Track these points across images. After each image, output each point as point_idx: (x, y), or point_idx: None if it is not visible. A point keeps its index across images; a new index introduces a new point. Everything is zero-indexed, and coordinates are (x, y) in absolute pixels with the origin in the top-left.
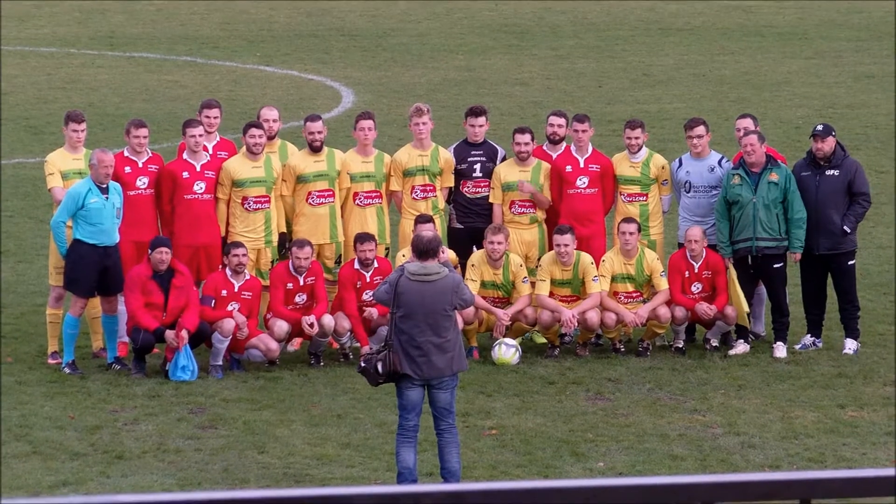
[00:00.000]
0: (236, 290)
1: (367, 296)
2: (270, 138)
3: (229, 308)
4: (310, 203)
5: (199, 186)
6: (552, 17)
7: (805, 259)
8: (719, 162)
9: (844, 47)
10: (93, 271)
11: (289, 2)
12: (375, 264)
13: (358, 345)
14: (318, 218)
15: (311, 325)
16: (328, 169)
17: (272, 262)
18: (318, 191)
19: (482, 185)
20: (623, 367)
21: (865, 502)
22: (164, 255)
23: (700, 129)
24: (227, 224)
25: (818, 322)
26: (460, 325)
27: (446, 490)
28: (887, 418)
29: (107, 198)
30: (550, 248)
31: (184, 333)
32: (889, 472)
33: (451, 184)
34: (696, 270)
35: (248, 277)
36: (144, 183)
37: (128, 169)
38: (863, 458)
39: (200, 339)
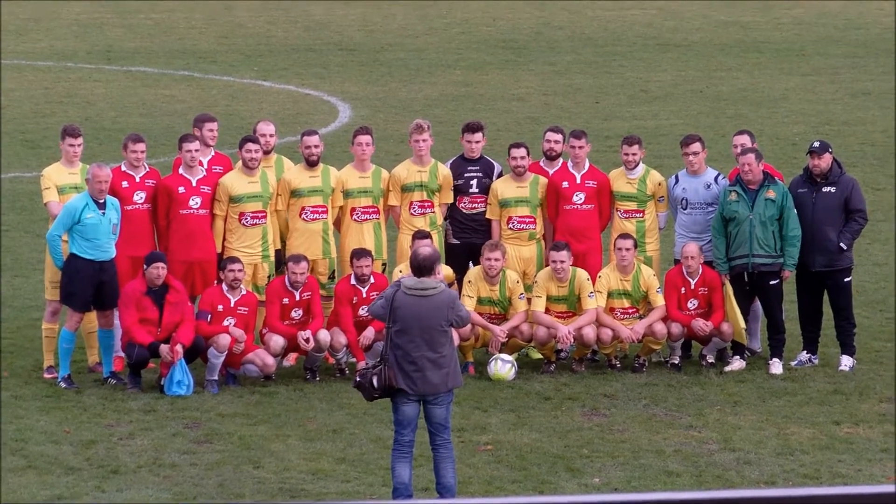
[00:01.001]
0: (232, 305)
1: (363, 311)
2: (267, 153)
3: (225, 323)
4: (303, 218)
5: (195, 201)
6: (549, 32)
7: (801, 276)
8: (715, 178)
9: (842, 64)
10: (88, 286)
11: (287, 16)
12: (372, 280)
13: (354, 360)
14: (310, 234)
15: (307, 341)
16: (323, 185)
17: (268, 277)
18: (312, 206)
19: (479, 200)
20: (619, 383)
21: None
22: (159, 270)
23: (696, 146)
24: (224, 239)
25: (814, 339)
26: (456, 341)
27: None
28: (883, 435)
29: (103, 213)
30: (548, 265)
31: (178, 348)
32: (884, 488)
33: (450, 200)
34: (693, 287)
35: (244, 293)
36: (141, 198)
37: (125, 184)
38: (858, 474)
39: (195, 353)
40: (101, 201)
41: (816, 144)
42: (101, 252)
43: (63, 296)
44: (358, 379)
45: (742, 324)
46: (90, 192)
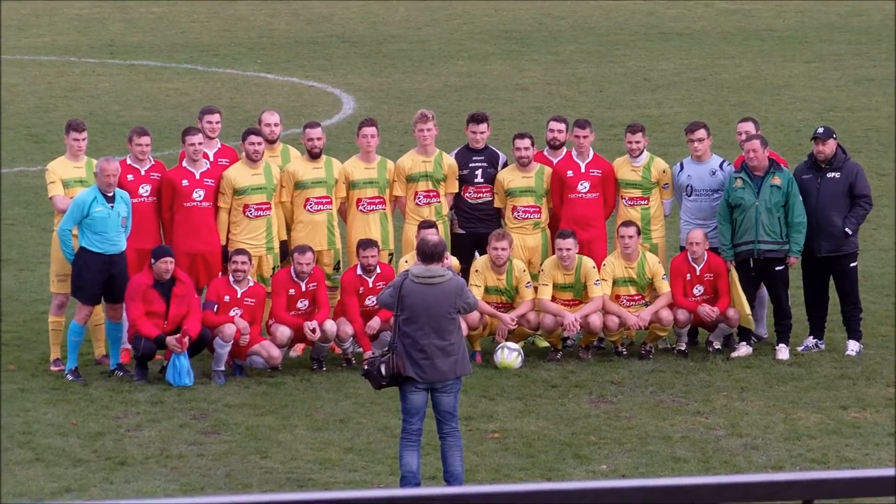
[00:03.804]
0: (239, 296)
1: (369, 301)
2: (272, 142)
3: (231, 314)
4: (307, 210)
5: (198, 194)
6: (552, 22)
7: (807, 261)
8: (720, 165)
9: (845, 50)
10: (98, 279)
11: (289, 9)
12: (378, 270)
13: (360, 350)
14: (315, 225)
15: (314, 331)
16: (326, 176)
17: (273, 268)
18: (316, 198)
19: (484, 190)
20: (625, 370)
21: (868, 503)
22: (168, 265)
23: (701, 133)
24: (228, 231)
25: (820, 324)
26: (465, 330)
27: (449, 493)
28: (890, 419)
29: (112, 207)
30: (553, 253)
31: (186, 340)
32: (891, 472)
33: (455, 190)
34: (698, 273)
35: (251, 284)
36: (147, 191)
37: (130, 177)
38: (865, 458)
39: (200, 346)
40: (110, 195)
41: (820, 130)
42: (110, 245)
43: (73, 289)
44: (366, 367)
45: (747, 310)
46: (99, 185)
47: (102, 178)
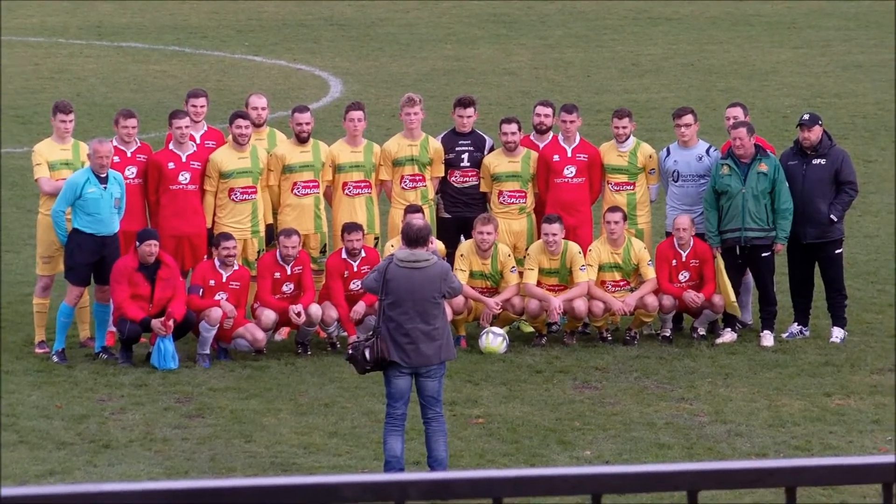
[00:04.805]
0: (224, 279)
1: (354, 285)
2: (259, 126)
3: (217, 298)
4: (295, 193)
5: (184, 177)
6: (540, 6)
7: (792, 248)
8: (707, 151)
9: (833, 36)
10: (89, 260)
11: None
12: (363, 254)
13: (345, 334)
14: (302, 209)
15: (299, 315)
16: (314, 160)
17: (258, 252)
18: (304, 181)
19: (470, 174)
20: (610, 356)
21: (852, 490)
22: (152, 247)
23: (688, 118)
24: (214, 215)
25: (805, 311)
26: (449, 315)
27: (433, 478)
28: (874, 406)
29: (105, 188)
30: (539, 238)
31: (171, 323)
32: (876, 459)
33: (442, 174)
34: (684, 259)
35: (236, 268)
36: (133, 173)
37: (116, 159)
38: (849, 445)
39: (185, 329)
40: (103, 176)
41: (806, 117)
42: (102, 226)
43: (65, 270)
44: (350, 352)
45: (733, 297)
46: (92, 167)
47: (95, 160)
